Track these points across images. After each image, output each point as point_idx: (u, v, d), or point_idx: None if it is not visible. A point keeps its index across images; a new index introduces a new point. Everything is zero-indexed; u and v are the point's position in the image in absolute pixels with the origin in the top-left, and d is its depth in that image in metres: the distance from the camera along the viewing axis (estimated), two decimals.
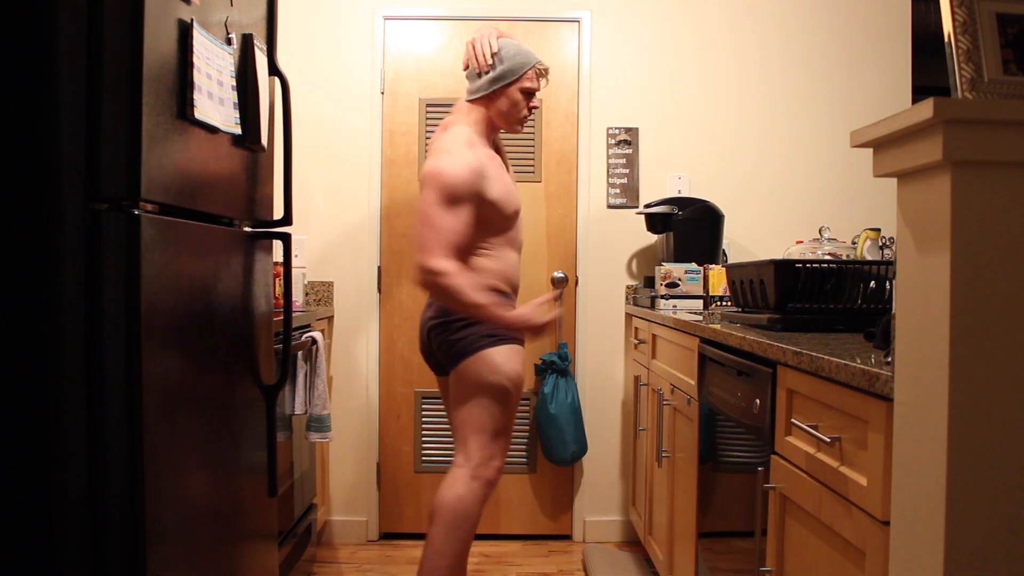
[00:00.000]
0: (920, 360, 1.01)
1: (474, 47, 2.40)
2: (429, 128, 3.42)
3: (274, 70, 2.04)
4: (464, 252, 2.31)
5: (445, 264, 2.21)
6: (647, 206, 3.26)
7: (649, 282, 3.31)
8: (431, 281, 2.23)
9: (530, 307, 2.32)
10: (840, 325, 1.92)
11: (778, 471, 1.56)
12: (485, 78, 2.39)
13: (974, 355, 0.95)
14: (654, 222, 3.26)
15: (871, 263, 1.94)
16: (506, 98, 2.40)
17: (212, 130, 1.67)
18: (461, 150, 2.32)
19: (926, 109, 0.95)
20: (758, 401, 1.69)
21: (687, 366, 2.39)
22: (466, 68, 2.45)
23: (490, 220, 2.35)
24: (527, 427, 3.45)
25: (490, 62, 2.38)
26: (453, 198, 2.25)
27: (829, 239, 2.42)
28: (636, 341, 3.25)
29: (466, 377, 2.34)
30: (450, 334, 2.36)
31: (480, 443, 2.34)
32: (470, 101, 2.44)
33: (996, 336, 0.95)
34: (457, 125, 2.42)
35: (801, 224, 3.46)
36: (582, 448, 3.31)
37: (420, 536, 3.44)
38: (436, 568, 2.29)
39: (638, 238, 3.47)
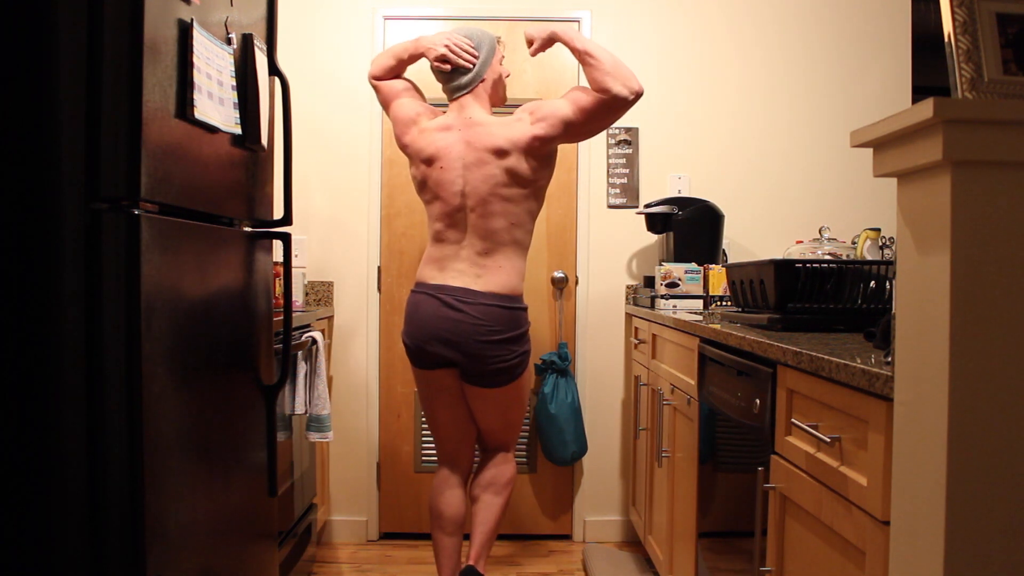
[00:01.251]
0: (920, 360, 1.01)
1: (452, 51, 2.49)
2: None
3: (274, 70, 2.04)
4: (528, 238, 2.52)
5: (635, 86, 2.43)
6: (647, 206, 3.26)
7: (649, 282, 3.31)
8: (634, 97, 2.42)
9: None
10: (840, 325, 1.92)
11: (778, 471, 1.56)
12: (476, 67, 2.50)
13: (974, 355, 0.95)
14: (654, 222, 3.26)
15: (871, 263, 1.94)
16: (494, 72, 2.55)
17: (212, 130, 1.67)
18: None
19: (926, 109, 0.95)
20: (758, 401, 1.69)
21: (687, 366, 2.39)
22: (451, 71, 2.51)
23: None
24: (527, 427, 3.45)
25: (476, 53, 2.51)
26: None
27: (829, 239, 2.42)
28: (636, 341, 3.24)
29: (518, 388, 2.53)
30: (507, 352, 2.42)
31: (516, 437, 2.67)
32: (468, 93, 2.51)
33: (996, 336, 0.95)
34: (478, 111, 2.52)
35: (801, 224, 3.46)
36: (582, 448, 3.31)
37: (420, 536, 3.44)
38: (498, 526, 2.60)
39: (638, 238, 3.47)
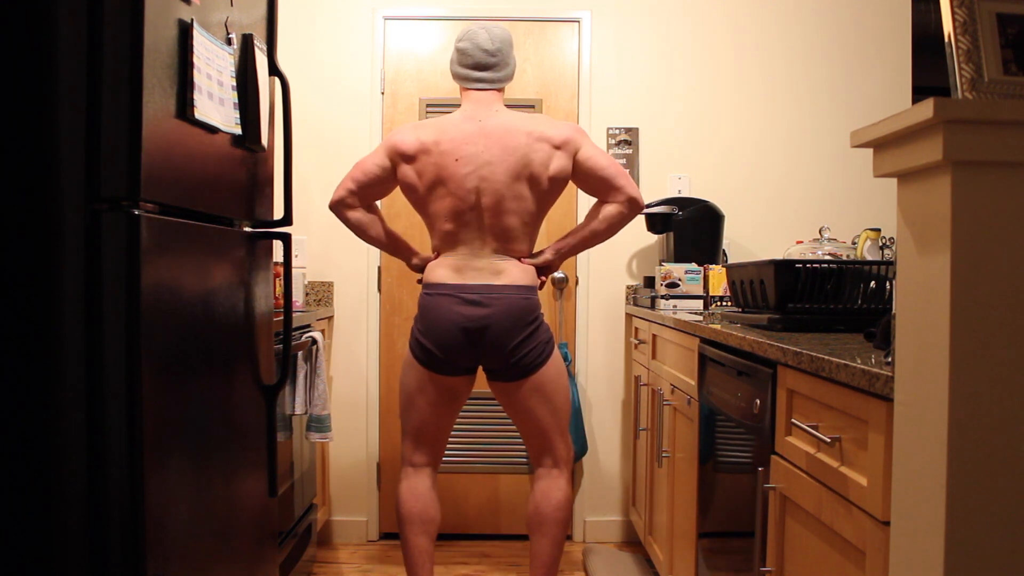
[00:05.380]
0: (920, 360, 1.01)
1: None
2: None
3: (274, 70, 2.04)
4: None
5: None
6: (647, 206, 3.26)
7: (649, 282, 3.31)
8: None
9: None
10: (840, 325, 1.92)
11: (778, 471, 1.56)
12: (513, 64, 2.48)
13: (974, 355, 0.95)
14: (654, 222, 3.26)
15: (871, 263, 1.94)
16: None
17: (212, 130, 1.67)
18: None
19: (926, 109, 0.95)
20: (758, 401, 1.69)
21: (687, 366, 2.39)
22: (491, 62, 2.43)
23: None
24: None
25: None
26: None
27: (829, 239, 2.42)
28: (636, 341, 3.25)
29: (547, 379, 2.39)
30: (534, 339, 2.34)
31: (566, 442, 2.48)
32: (497, 90, 2.45)
33: (996, 336, 0.95)
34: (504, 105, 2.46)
35: (801, 224, 3.46)
36: (582, 448, 3.31)
37: None
38: (557, 564, 2.47)
39: (638, 238, 3.47)
